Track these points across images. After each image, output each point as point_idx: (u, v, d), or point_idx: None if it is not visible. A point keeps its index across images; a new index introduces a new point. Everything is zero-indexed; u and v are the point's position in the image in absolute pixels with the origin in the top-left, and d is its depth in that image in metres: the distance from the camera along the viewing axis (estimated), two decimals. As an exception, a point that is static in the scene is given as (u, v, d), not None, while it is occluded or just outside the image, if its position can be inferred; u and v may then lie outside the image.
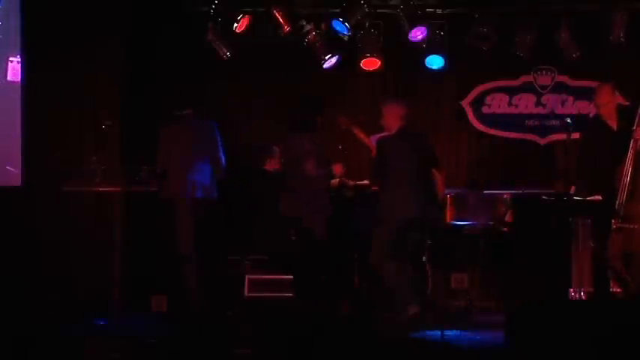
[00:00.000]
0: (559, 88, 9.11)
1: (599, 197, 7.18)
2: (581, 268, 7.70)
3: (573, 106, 9.10)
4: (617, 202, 7.17)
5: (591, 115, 8.93)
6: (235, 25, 8.62)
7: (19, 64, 8.21)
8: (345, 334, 6.69)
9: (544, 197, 8.05)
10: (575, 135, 7.99)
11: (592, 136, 7.58)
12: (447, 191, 8.50)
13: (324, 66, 8.82)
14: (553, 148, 9.13)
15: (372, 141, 7.91)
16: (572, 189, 7.47)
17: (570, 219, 7.72)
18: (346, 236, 8.32)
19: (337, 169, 8.13)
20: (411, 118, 7.62)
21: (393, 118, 7.51)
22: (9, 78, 8.17)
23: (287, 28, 8.59)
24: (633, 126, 7.31)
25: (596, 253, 7.58)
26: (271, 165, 8.35)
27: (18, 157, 8.21)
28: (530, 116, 9.17)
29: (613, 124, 7.48)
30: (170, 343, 7.06)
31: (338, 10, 8.66)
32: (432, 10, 8.84)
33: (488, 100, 9.21)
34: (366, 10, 8.60)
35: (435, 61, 8.85)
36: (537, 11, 8.68)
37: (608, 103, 7.48)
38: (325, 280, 7.56)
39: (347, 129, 8.15)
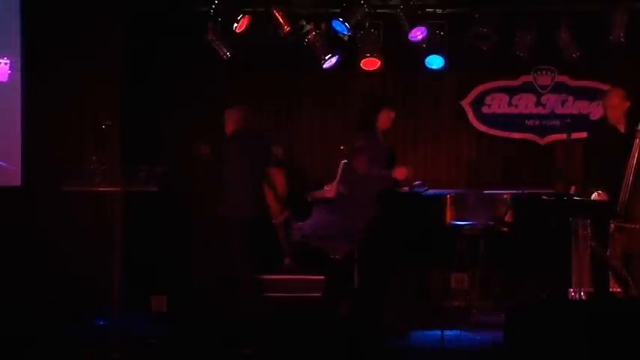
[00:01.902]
0: (559, 88, 9.10)
1: (600, 197, 7.17)
2: (581, 268, 7.70)
3: (573, 106, 9.09)
4: (618, 202, 7.17)
5: (592, 116, 9.00)
6: (235, 25, 8.62)
7: (7, 65, 8.22)
8: (345, 334, 6.70)
9: (544, 197, 8.06)
10: (579, 134, 8.03)
11: (598, 138, 7.57)
12: (447, 191, 8.54)
13: (324, 66, 8.82)
14: (553, 148, 9.12)
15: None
16: (573, 189, 7.47)
17: (570, 219, 7.72)
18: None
19: (399, 173, 7.85)
20: (250, 119, 7.86)
21: (230, 122, 7.78)
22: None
23: (287, 28, 8.59)
24: (638, 125, 7.31)
25: (597, 252, 7.58)
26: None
27: (12, 156, 8.23)
28: (530, 116, 9.16)
29: (621, 128, 7.45)
30: (170, 343, 7.07)
31: (338, 10, 8.66)
32: (432, 10, 8.83)
33: (488, 100, 9.20)
34: (366, 10, 8.60)
35: (435, 61, 8.85)
36: (537, 11, 8.67)
37: (616, 108, 7.45)
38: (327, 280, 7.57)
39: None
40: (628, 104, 7.42)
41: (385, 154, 7.83)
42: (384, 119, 7.89)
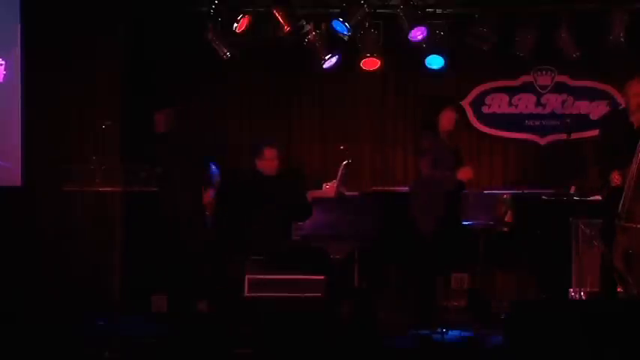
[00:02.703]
0: (559, 88, 9.10)
1: (616, 180, 7.18)
2: (581, 268, 7.70)
3: (573, 106, 9.09)
4: (621, 202, 7.17)
5: (592, 116, 9.00)
6: (235, 25, 8.61)
7: (2, 67, 8.23)
8: (345, 334, 6.70)
9: (544, 197, 8.07)
10: (579, 134, 8.05)
11: (612, 129, 7.55)
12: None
13: (324, 66, 8.81)
14: (553, 148, 9.11)
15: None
16: (573, 189, 7.47)
17: (570, 219, 7.73)
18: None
19: (464, 173, 7.75)
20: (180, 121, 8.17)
21: (160, 124, 8.20)
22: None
23: (287, 28, 8.58)
24: None
25: (603, 253, 7.59)
26: (262, 165, 8.25)
27: (12, 156, 8.23)
28: (530, 116, 9.16)
29: (634, 120, 7.41)
30: (170, 343, 7.07)
31: (338, 10, 8.66)
32: (432, 10, 8.83)
33: (488, 100, 9.20)
34: (366, 10, 8.59)
35: (435, 61, 8.85)
36: (537, 11, 8.67)
37: (638, 95, 7.41)
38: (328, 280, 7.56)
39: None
40: None
41: (450, 155, 7.69)
42: (446, 120, 7.74)
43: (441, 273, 7.99)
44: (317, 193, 8.07)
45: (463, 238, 7.62)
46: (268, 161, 8.16)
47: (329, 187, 8.10)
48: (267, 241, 7.95)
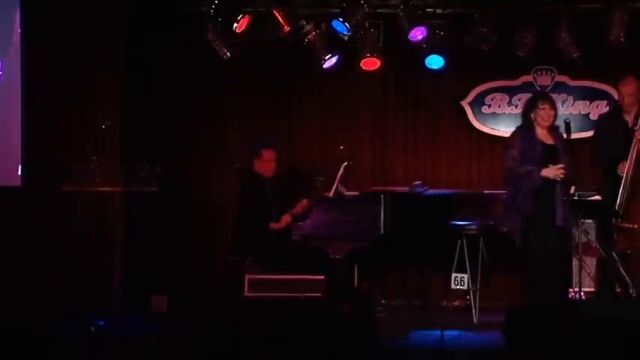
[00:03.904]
0: (559, 88, 9.10)
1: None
2: (580, 268, 7.70)
3: (573, 106, 9.08)
4: (617, 202, 7.17)
5: (592, 116, 9.00)
6: (235, 25, 8.61)
7: (1, 67, 8.24)
8: (345, 334, 6.70)
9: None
10: (579, 134, 8.03)
11: (608, 127, 7.56)
12: (447, 191, 8.54)
13: (324, 66, 8.81)
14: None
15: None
16: (572, 189, 7.45)
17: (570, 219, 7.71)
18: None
19: (548, 170, 7.03)
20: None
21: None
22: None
23: (287, 28, 8.59)
24: (636, 124, 7.31)
25: (600, 252, 7.59)
26: (260, 166, 8.25)
27: (12, 156, 8.23)
28: (530, 116, 9.15)
29: (629, 119, 7.44)
30: (170, 343, 7.07)
31: (338, 10, 8.66)
32: (432, 10, 8.83)
33: (488, 100, 9.20)
34: (366, 10, 8.59)
35: (435, 61, 8.84)
36: (537, 11, 8.67)
37: (633, 94, 7.44)
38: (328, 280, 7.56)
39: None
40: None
41: (539, 151, 7.06)
42: (540, 115, 7.11)
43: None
44: (276, 225, 8.09)
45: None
46: (266, 163, 8.15)
47: (304, 202, 8.12)
48: (265, 242, 7.96)
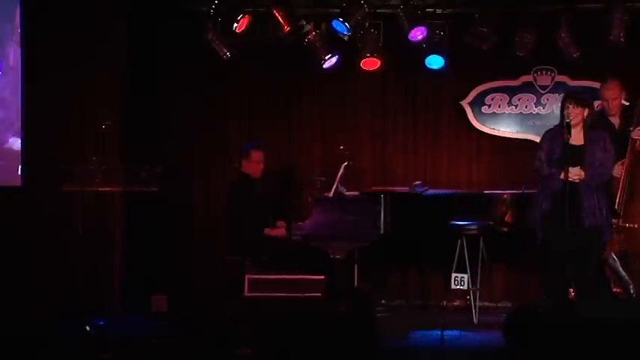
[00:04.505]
0: (559, 88, 9.09)
1: None
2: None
3: (573, 106, 9.07)
4: (616, 202, 7.18)
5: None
6: (235, 25, 8.62)
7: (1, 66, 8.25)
8: (345, 334, 6.69)
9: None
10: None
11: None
12: (447, 191, 8.55)
13: (324, 66, 8.81)
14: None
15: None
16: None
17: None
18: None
19: (572, 172, 6.89)
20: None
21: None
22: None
23: (287, 28, 8.59)
24: (631, 126, 7.32)
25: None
26: (248, 167, 8.25)
27: (12, 156, 8.24)
28: (530, 116, 9.16)
29: (615, 122, 7.46)
30: (170, 343, 7.07)
31: (338, 10, 8.66)
32: (432, 10, 8.83)
33: (488, 100, 9.20)
34: (366, 10, 8.59)
35: (435, 61, 8.84)
36: (537, 11, 8.66)
37: (616, 99, 7.46)
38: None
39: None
40: (624, 94, 7.43)
41: (559, 153, 7.00)
42: (572, 115, 6.98)
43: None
44: (271, 232, 8.12)
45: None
46: (254, 164, 8.18)
47: (282, 226, 8.17)
48: (260, 242, 7.98)
